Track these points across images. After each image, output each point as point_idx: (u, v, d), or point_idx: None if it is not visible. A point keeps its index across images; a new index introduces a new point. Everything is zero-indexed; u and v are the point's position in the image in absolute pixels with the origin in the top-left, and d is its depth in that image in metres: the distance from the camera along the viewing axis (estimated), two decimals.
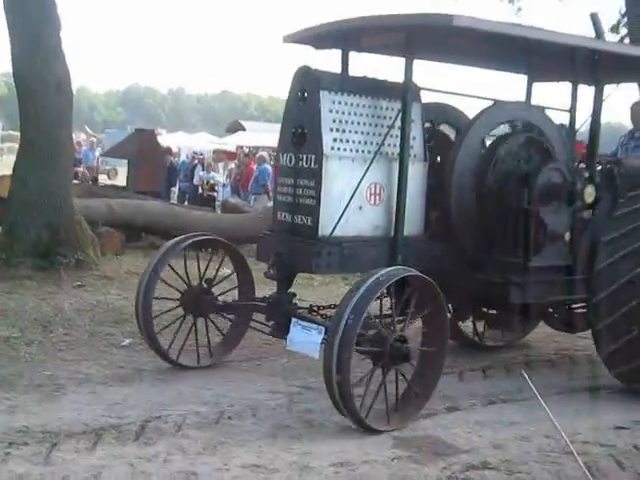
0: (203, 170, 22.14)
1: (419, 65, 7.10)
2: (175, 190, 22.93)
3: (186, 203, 20.02)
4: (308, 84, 5.95)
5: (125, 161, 20.77)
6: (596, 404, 6.36)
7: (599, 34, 6.85)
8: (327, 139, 5.89)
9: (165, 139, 30.28)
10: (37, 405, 5.55)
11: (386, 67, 7.04)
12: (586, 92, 7.46)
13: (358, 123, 6.08)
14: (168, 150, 22.54)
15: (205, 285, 6.69)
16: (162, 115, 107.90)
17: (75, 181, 17.07)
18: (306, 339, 5.73)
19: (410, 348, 5.44)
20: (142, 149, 18.95)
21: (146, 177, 18.43)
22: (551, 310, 7.04)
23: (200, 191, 21.24)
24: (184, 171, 23.06)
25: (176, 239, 6.75)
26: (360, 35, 6.41)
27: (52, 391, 5.93)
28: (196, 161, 24.14)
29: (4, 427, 5.04)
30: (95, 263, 10.55)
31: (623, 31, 16.44)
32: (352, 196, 5.86)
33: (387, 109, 6.22)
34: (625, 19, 16.34)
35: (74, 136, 14.12)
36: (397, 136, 6.10)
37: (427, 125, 6.70)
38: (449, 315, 6.18)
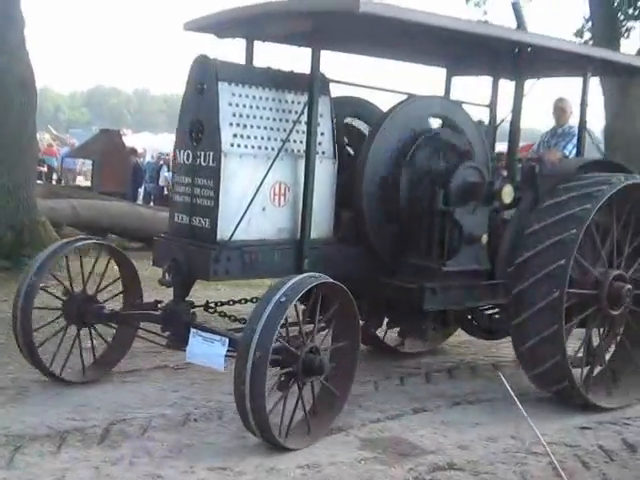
0: (169, 171, 21.50)
1: (331, 56, 6.81)
2: (141, 191, 22.66)
3: (152, 204, 19.89)
4: (206, 75, 5.53)
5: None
6: (560, 406, 6.35)
7: (520, 24, 6.55)
8: (226, 135, 5.49)
9: (130, 139, 29.68)
10: (0, 408, 5.47)
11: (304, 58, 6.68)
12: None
13: (261, 117, 5.70)
14: (133, 151, 22.22)
15: (89, 293, 6.18)
16: (127, 115, 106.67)
17: (39, 181, 16.99)
18: (208, 351, 5.33)
19: (323, 360, 5.11)
20: (107, 150, 18.99)
21: (111, 178, 18.53)
22: (469, 316, 6.71)
23: (166, 192, 20.85)
24: (149, 172, 22.81)
25: (58, 243, 6.34)
26: (264, 22, 6.00)
27: (16, 394, 5.87)
28: (162, 162, 23.71)
29: None
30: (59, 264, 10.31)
31: (587, 35, 16.71)
32: (254, 196, 5.47)
33: (293, 103, 5.84)
34: (589, 24, 16.63)
35: (38, 136, 14.06)
36: (304, 132, 5.75)
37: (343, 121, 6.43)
38: (362, 322, 5.85)
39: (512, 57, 6.62)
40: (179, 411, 5.70)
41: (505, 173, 6.35)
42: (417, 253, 6.07)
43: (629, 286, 6.37)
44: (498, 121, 7.46)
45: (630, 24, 16.35)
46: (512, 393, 4.27)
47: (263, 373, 4.70)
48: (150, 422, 5.40)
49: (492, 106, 7.49)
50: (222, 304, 6.10)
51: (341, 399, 5.39)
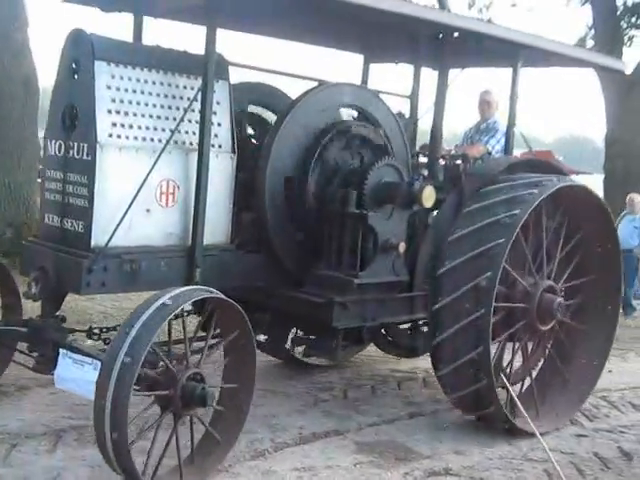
0: None
1: (237, 38, 6.12)
2: None
3: None
4: (80, 53, 4.79)
5: None
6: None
7: (442, 4, 5.94)
8: (103, 123, 4.75)
9: None
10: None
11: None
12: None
13: (146, 104, 4.97)
14: None
15: None
16: None
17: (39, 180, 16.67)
18: (78, 376, 4.59)
19: (207, 389, 4.39)
20: None
21: None
22: (384, 332, 6.09)
23: None
24: None
25: None
26: None
27: (13, 392, 5.85)
28: None
29: None
30: None
31: (590, 43, 16.61)
32: (136, 196, 4.73)
33: (185, 88, 5.14)
34: (592, 32, 16.69)
35: (40, 134, 14.03)
36: (197, 122, 5.04)
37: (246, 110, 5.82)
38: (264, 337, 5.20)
39: (435, 43, 6.07)
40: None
41: (426, 172, 5.70)
42: (326, 262, 5.42)
43: (560, 299, 5.84)
44: (420, 114, 6.84)
45: (632, 33, 16.60)
46: (516, 399, 4.62)
47: (129, 385, 4.00)
48: (146, 423, 4.99)
49: (413, 97, 6.89)
50: (108, 330, 5.35)
51: (224, 446, 4.70)
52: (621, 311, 12.13)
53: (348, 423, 5.76)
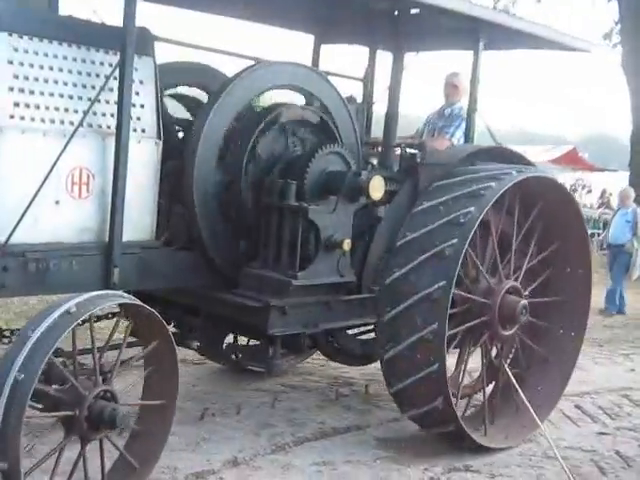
0: None
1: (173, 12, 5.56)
2: None
3: None
4: None
5: None
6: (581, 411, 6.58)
7: None
8: (4, 103, 4.15)
9: None
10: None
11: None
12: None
13: (56, 82, 4.36)
14: None
15: None
16: None
17: None
18: None
19: (119, 409, 3.86)
20: None
21: None
22: (330, 338, 5.55)
23: None
24: None
25: None
26: None
27: None
28: None
29: None
30: None
31: (616, 39, 16.82)
32: (42, 185, 4.15)
33: (103, 64, 4.54)
34: (618, 26, 16.76)
35: None
36: (116, 102, 4.44)
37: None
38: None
39: (391, 21, 5.59)
40: (198, 405, 5.81)
41: (375, 161, 5.15)
42: (263, 261, 4.88)
43: (524, 302, 5.33)
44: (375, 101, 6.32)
45: None
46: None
47: (21, 405, 3.46)
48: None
49: (367, 81, 6.34)
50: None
51: (141, 472, 4.17)
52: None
53: (368, 418, 5.86)
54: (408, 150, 5.81)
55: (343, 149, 5.04)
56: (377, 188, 4.82)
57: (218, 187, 4.89)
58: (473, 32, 5.78)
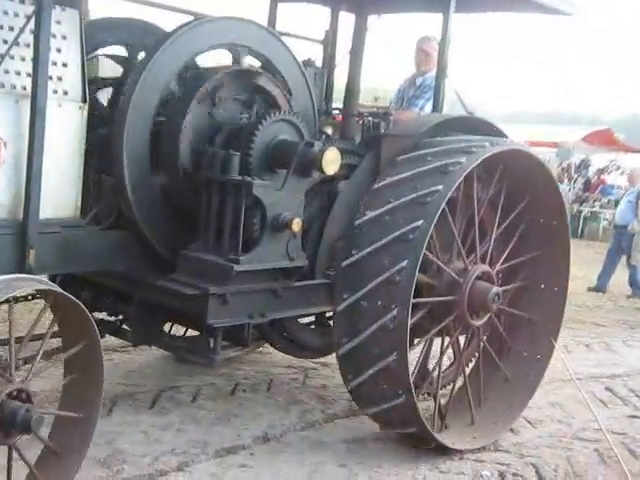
0: None
1: None
2: None
3: None
4: None
5: None
6: (611, 393, 6.63)
7: None
8: None
9: None
10: (56, 371, 4.68)
11: None
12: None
13: None
14: None
15: None
16: None
17: None
18: None
19: (33, 411, 3.35)
20: None
21: None
22: (281, 328, 5.00)
23: None
24: None
25: None
26: None
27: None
28: None
29: None
30: None
31: None
32: None
33: (17, 16, 3.91)
34: None
35: None
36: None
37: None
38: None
39: None
40: (228, 381, 5.88)
41: (330, 130, 4.58)
42: (203, 243, 4.31)
43: (497, 288, 4.82)
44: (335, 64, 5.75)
45: None
46: (572, 375, 4.92)
47: None
48: (199, 391, 5.57)
49: (327, 43, 5.76)
50: None
51: (68, 474, 3.67)
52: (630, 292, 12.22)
53: None
54: (371, 120, 5.28)
55: (295, 117, 4.47)
56: (332, 161, 4.26)
57: (152, 159, 4.31)
58: None
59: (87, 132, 4.14)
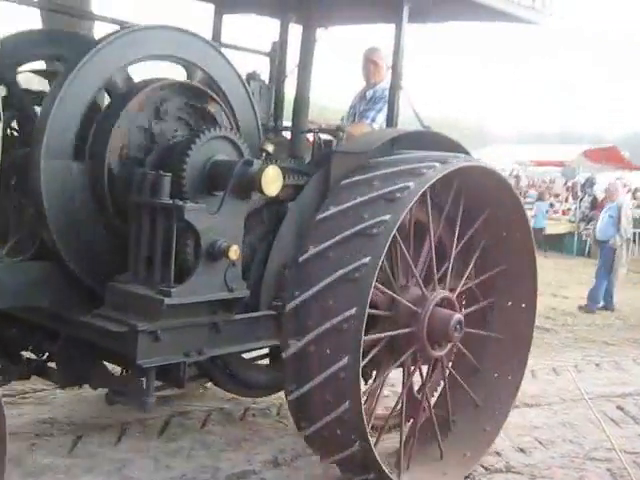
0: None
1: None
2: None
3: None
4: None
5: None
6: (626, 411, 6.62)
7: None
8: None
9: None
10: (64, 397, 5.53)
11: None
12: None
13: None
14: None
15: None
16: None
17: None
18: None
19: None
20: None
21: None
22: (223, 364, 4.58)
23: None
24: None
25: None
26: None
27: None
28: None
29: (31, 418, 5.16)
30: None
31: None
32: None
33: None
34: None
35: None
36: None
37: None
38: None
39: None
40: (237, 406, 5.79)
41: (270, 148, 4.19)
42: (133, 274, 3.89)
43: (459, 316, 4.45)
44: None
45: None
46: (585, 394, 5.03)
47: None
48: (209, 416, 5.53)
49: (274, 55, 5.40)
50: None
51: None
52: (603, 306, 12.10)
53: None
54: (323, 137, 4.92)
55: (234, 134, 4.07)
56: (272, 181, 3.86)
57: (76, 182, 3.91)
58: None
59: (3, 153, 3.73)
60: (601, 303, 12.29)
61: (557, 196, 26.13)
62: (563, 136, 55.49)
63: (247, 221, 4.14)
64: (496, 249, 5.01)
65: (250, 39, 5.68)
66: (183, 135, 4.12)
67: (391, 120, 4.98)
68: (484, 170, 4.67)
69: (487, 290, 5.07)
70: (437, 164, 4.29)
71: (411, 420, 4.82)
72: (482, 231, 4.87)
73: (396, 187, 4.11)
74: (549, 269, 15.40)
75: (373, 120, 5.70)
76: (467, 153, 4.90)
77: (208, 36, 5.41)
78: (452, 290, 4.70)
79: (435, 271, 4.57)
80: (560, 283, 14.58)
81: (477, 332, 4.97)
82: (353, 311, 3.83)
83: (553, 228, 21.10)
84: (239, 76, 4.53)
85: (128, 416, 5.29)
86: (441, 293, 4.56)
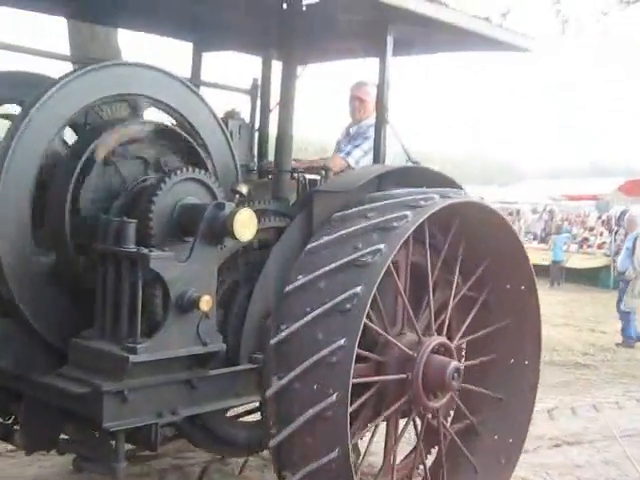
0: None
1: None
2: None
3: None
4: None
5: None
6: None
7: None
8: None
9: None
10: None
11: None
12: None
13: None
14: None
15: None
16: None
17: None
18: None
19: None
20: None
21: None
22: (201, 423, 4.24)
23: None
24: None
25: None
26: None
27: None
28: None
29: None
30: None
31: None
32: None
33: None
34: None
35: None
36: None
37: None
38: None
39: (281, 22, 4.53)
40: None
41: (244, 189, 3.90)
42: (99, 329, 3.58)
43: (457, 363, 4.13)
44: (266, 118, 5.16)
45: None
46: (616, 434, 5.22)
47: None
48: (246, 462, 5.36)
49: (254, 93, 5.15)
50: None
51: None
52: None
53: None
54: (308, 176, 4.66)
55: (206, 175, 3.78)
56: (245, 225, 3.56)
57: (35, 234, 3.62)
58: (379, 26, 4.63)
59: None
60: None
61: (592, 230, 25.90)
62: (594, 168, 55.37)
63: (223, 268, 3.88)
64: (500, 301, 4.70)
65: (234, 76, 5.46)
66: (148, 178, 3.84)
67: (378, 156, 4.70)
68: (485, 209, 4.37)
69: (488, 343, 4.74)
70: (436, 196, 4.04)
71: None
72: (484, 279, 4.56)
73: (393, 216, 3.86)
74: (586, 304, 15.31)
75: (348, 154, 5.42)
76: (458, 187, 4.62)
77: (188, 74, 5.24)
78: (450, 339, 4.39)
79: (432, 315, 4.27)
80: (598, 318, 14.42)
81: (474, 388, 4.63)
82: (342, 342, 3.54)
83: (588, 262, 20.91)
84: (214, 115, 4.27)
85: (166, 463, 5.29)
86: (438, 339, 4.25)
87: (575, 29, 15.85)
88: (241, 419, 4.90)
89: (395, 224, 3.83)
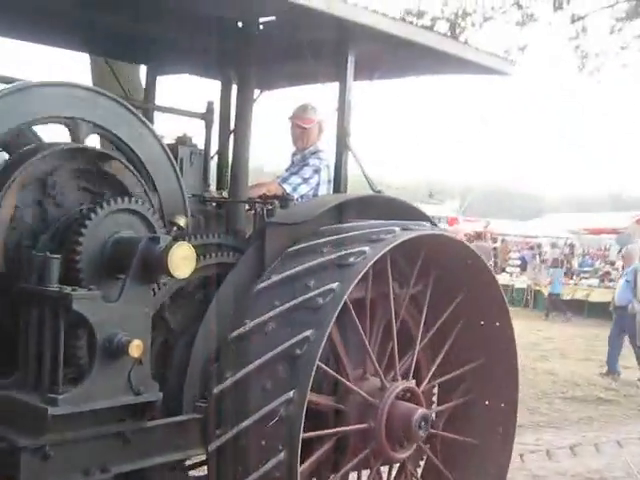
0: None
1: None
2: None
3: None
4: None
5: None
6: None
7: None
8: None
9: None
10: None
11: None
12: None
13: None
14: None
15: None
16: None
17: None
18: None
19: None
20: None
21: None
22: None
23: None
24: None
25: None
26: None
27: None
28: None
29: None
30: None
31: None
32: None
33: None
34: None
35: None
36: None
37: None
38: None
39: (237, 41, 4.24)
40: None
41: (182, 221, 3.55)
42: (22, 378, 3.20)
43: (423, 411, 3.76)
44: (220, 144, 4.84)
45: None
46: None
47: None
48: None
49: (209, 118, 4.82)
50: None
51: None
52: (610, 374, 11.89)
53: None
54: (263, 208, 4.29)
55: (144, 207, 3.43)
56: (181, 261, 3.20)
57: None
58: (339, 45, 4.32)
59: None
60: None
61: (613, 264, 25.66)
62: (613, 200, 55.54)
63: (162, 310, 3.52)
64: (473, 338, 4.36)
65: (187, 100, 5.14)
66: (77, 209, 3.48)
67: (339, 185, 4.36)
68: (452, 242, 4.05)
69: (461, 385, 4.39)
70: (397, 229, 3.72)
71: None
72: (455, 316, 4.22)
73: (349, 252, 3.55)
74: (607, 339, 15.04)
75: (284, 180, 5.06)
76: (431, 222, 4.29)
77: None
78: (418, 384, 4.03)
79: (397, 358, 3.91)
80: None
81: (445, 434, 4.26)
82: (291, 394, 3.23)
83: (610, 297, 20.78)
84: (159, 140, 3.92)
85: None
86: (403, 384, 3.89)
87: (594, 65, 15.73)
88: (194, 471, 4.51)
89: (352, 260, 3.52)
